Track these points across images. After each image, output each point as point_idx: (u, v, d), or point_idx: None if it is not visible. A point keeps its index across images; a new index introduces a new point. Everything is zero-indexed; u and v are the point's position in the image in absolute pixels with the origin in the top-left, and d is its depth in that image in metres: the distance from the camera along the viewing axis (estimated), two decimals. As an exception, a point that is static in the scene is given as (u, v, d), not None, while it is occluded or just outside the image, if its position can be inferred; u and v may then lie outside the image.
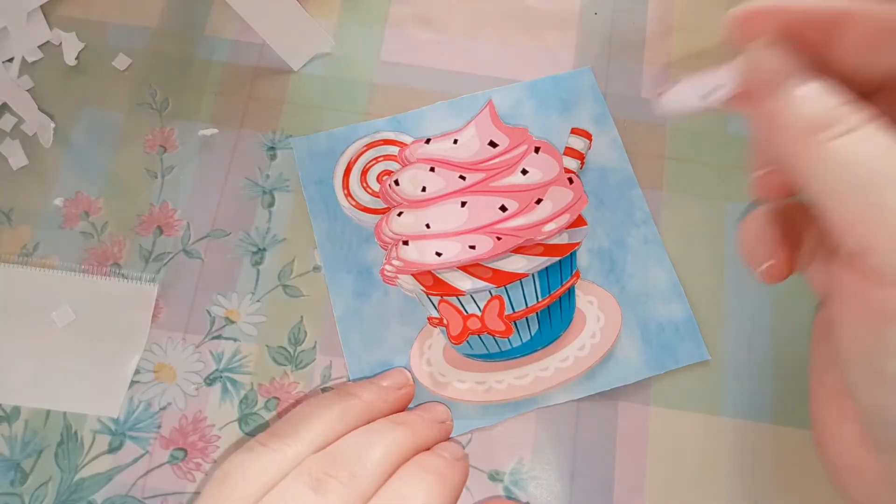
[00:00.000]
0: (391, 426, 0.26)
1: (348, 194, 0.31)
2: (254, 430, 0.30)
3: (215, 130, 0.34)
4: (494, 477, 0.29)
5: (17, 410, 0.30)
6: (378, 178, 0.32)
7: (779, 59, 0.19)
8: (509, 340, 0.30)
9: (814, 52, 0.19)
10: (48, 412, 0.30)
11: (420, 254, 0.29)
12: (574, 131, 0.32)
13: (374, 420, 0.27)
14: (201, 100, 0.34)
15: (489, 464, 0.29)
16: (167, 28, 0.36)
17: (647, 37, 0.36)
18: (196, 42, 0.36)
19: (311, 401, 0.27)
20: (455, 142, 0.31)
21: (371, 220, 0.31)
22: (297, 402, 0.30)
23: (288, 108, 0.34)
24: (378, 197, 0.31)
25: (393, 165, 0.32)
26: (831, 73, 0.20)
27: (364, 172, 0.32)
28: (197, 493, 0.28)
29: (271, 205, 0.33)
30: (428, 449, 0.27)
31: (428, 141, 0.31)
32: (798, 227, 0.22)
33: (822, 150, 0.18)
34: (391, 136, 0.33)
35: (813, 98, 0.18)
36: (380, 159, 0.32)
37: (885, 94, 0.20)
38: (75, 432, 0.29)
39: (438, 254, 0.28)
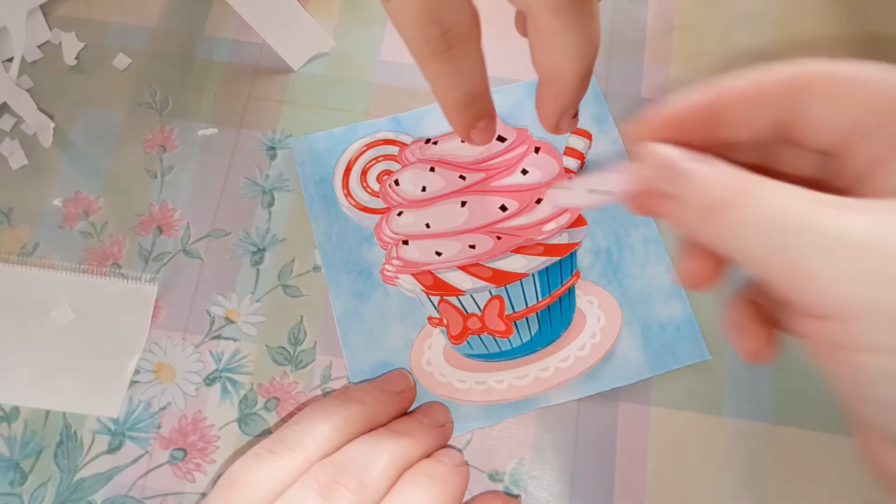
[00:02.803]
0: (395, 434, 0.26)
1: (348, 194, 0.31)
2: (254, 430, 0.29)
3: (215, 130, 0.34)
4: (494, 477, 0.29)
5: (16, 410, 0.30)
6: (378, 178, 0.32)
7: (667, 153, 0.21)
8: (509, 340, 0.30)
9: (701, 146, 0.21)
10: (48, 412, 0.30)
11: (420, 253, 0.29)
12: (574, 131, 0.32)
13: (376, 424, 0.27)
14: (201, 99, 0.34)
15: (489, 464, 0.29)
16: (167, 28, 0.36)
17: (647, 36, 0.36)
18: (196, 42, 0.35)
19: (315, 406, 0.27)
20: (462, 140, 0.31)
21: (371, 220, 0.31)
22: (301, 405, 0.30)
23: (288, 108, 0.34)
24: (378, 197, 0.31)
25: (393, 165, 0.32)
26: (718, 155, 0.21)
27: (364, 172, 0.32)
28: (202, 496, 0.28)
29: (271, 205, 0.33)
30: (430, 454, 0.27)
31: (430, 141, 0.31)
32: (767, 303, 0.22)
33: (725, 222, 0.19)
34: (391, 136, 0.33)
35: (707, 176, 0.19)
36: (380, 159, 0.32)
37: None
38: (75, 432, 0.29)
39: (438, 253, 0.28)
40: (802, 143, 0.21)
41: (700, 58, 0.35)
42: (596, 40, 0.22)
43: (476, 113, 0.24)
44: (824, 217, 0.17)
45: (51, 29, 0.35)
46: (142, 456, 0.29)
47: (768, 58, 0.36)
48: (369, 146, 0.32)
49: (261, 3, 0.33)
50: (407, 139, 0.32)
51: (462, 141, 0.31)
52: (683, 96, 0.21)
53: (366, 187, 0.31)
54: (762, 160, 0.23)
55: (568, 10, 0.21)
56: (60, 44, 0.35)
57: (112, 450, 0.29)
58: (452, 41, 0.22)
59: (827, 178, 0.21)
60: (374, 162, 0.32)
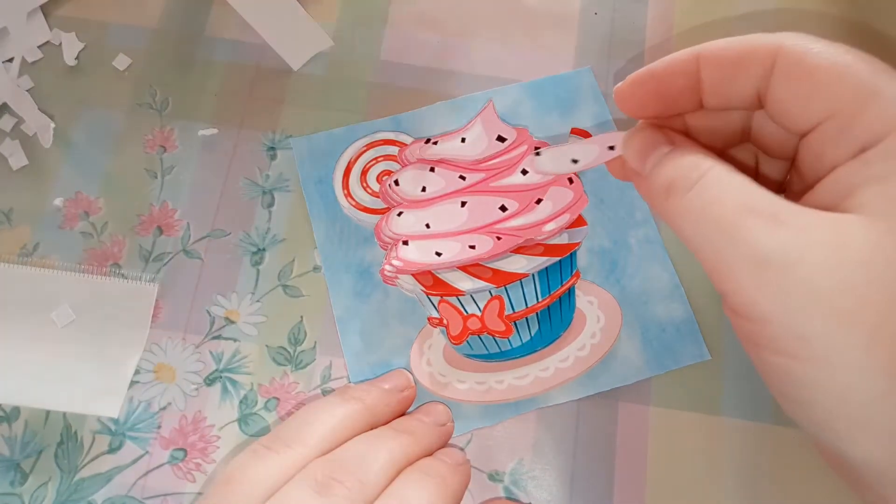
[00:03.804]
0: (394, 432, 0.26)
1: (348, 194, 0.31)
2: (254, 430, 0.30)
3: (215, 130, 0.34)
4: (494, 477, 0.29)
5: (17, 410, 0.30)
6: (378, 178, 0.32)
7: (643, 137, 0.22)
8: (509, 340, 0.30)
9: (680, 123, 0.23)
10: (48, 412, 0.30)
11: (420, 254, 0.29)
12: (574, 131, 0.32)
13: (376, 423, 0.27)
14: (201, 100, 0.34)
15: (489, 464, 0.29)
16: (167, 28, 0.36)
17: (647, 37, 0.36)
18: (196, 42, 0.35)
19: (314, 404, 0.27)
20: (463, 140, 0.31)
21: (371, 220, 0.31)
22: (299, 404, 0.30)
23: (288, 108, 0.34)
24: (378, 197, 0.31)
25: (393, 165, 0.32)
26: (695, 135, 0.23)
27: (364, 172, 0.32)
28: (199, 494, 0.28)
29: (271, 205, 0.33)
30: (430, 454, 0.27)
31: (431, 141, 0.31)
32: None
33: (675, 206, 0.20)
34: (391, 136, 0.33)
35: (664, 163, 0.21)
36: (380, 159, 0.32)
37: (746, 146, 0.23)
38: (75, 432, 0.29)
39: (438, 254, 0.28)
40: (776, 121, 0.21)
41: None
42: None
43: None
44: (753, 228, 0.18)
45: (51, 29, 0.35)
46: (142, 456, 0.29)
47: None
48: (369, 146, 0.32)
49: (261, 4, 0.33)
50: (407, 139, 0.32)
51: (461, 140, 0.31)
52: (665, 59, 0.22)
53: (366, 187, 0.31)
54: (747, 130, 0.23)
55: None
56: (61, 44, 0.35)
57: (112, 450, 0.29)
58: None
59: (801, 157, 0.21)
60: (374, 162, 0.32)
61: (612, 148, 0.23)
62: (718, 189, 0.19)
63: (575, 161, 0.24)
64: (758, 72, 0.20)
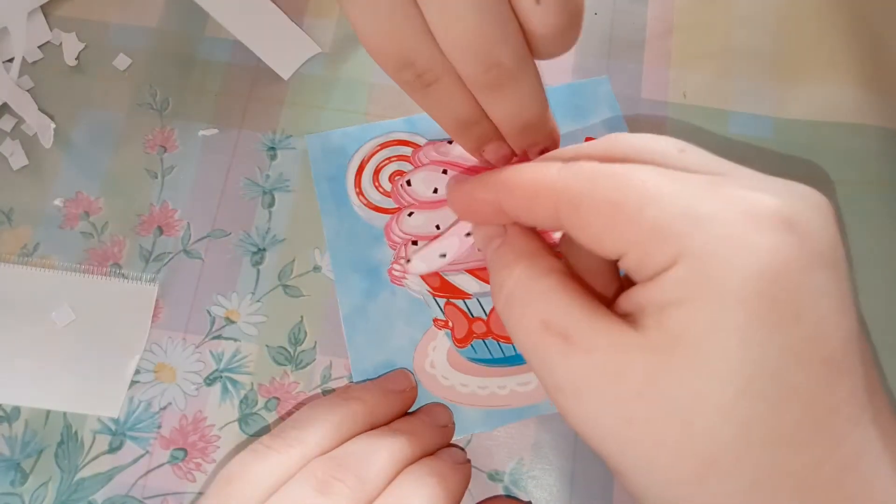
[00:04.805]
0: (395, 432, 0.26)
1: (360, 193, 0.31)
2: (254, 430, 0.30)
3: (215, 130, 0.34)
4: (494, 477, 0.29)
5: (17, 410, 0.30)
6: (390, 178, 0.32)
7: (482, 229, 0.23)
8: (513, 346, 0.30)
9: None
10: (48, 412, 0.30)
11: (426, 265, 0.29)
12: (589, 140, 0.32)
13: (377, 423, 0.27)
14: (201, 100, 0.34)
15: (489, 464, 0.29)
16: (167, 28, 0.36)
17: (647, 37, 0.36)
18: (196, 42, 0.35)
19: (315, 403, 0.27)
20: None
21: (381, 219, 0.31)
22: (299, 404, 0.30)
23: (288, 108, 0.34)
24: (389, 196, 0.31)
25: (406, 166, 0.32)
26: None
27: (376, 172, 0.32)
28: (200, 494, 0.28)
29: (271, 205, 0.33)
30: (431, 454, 0.27)
31: (444, 144, 0.31)
32: None
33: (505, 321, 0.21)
34: (405, 136, 0.32)
35: (491, 259, 0.22)
36: (393, 159, 0.32)
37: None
38: (75, 432, 0.29)
39: (443, 255, 0.28)
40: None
41: (700, 58, 0.35)
42: (525, 106, 0.23)
43: (479, 136, 0.24)
44: (547, 352, 0.19)
45: (51, 29, 0.35)
46: (142, 456, 0.29)
47: (768, 58, 0.36)
48: (383, 146, 0.32)
49: (248, 20, 0.33)
50: (421, 140, 0.32)
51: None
52: (472, 188, 0.23)
53: (378, 187, 0.31)
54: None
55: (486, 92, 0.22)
56: (61, 44, 0.35)
57: (112, 450, 0.29)
58: (428, 81, 0.22)
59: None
60: (386, 162, 0.32)
61: (468, 235, 0.24)
62: (526, 300, 0.20)
63: (443, 255, 0.25)
64: (548, 213, 0.20)
